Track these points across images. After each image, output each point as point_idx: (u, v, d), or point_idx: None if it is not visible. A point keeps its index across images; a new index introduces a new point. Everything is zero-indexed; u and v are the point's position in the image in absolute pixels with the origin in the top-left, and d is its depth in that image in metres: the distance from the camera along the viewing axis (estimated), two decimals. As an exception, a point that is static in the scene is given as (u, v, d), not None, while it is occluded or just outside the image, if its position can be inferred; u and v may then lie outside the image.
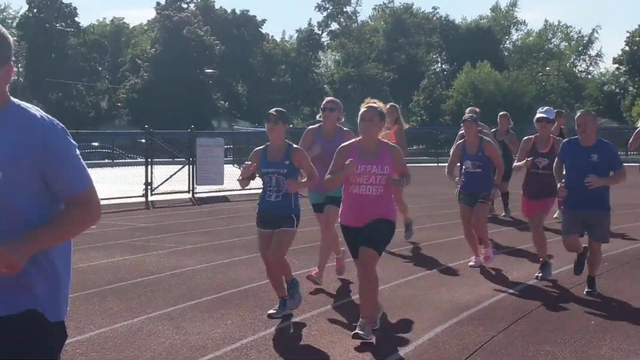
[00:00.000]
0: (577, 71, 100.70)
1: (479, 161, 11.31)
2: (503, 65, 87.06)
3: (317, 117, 10.78)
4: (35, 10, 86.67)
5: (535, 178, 10.52)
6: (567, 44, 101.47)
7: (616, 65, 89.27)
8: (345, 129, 10.27)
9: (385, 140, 7.78)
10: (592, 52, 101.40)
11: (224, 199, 23.39)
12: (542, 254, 10.64)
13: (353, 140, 8.01)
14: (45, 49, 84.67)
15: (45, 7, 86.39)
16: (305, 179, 8.63)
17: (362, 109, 7.66)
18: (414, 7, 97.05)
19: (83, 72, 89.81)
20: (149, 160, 22.53)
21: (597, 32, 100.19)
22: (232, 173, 29.96)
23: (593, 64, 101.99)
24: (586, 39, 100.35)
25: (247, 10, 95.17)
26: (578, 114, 9.52)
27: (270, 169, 8.31)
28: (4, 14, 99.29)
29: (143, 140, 25.57)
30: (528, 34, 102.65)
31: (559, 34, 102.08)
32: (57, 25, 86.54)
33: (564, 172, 9.62)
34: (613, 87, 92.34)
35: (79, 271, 11.14)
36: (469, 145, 11.51)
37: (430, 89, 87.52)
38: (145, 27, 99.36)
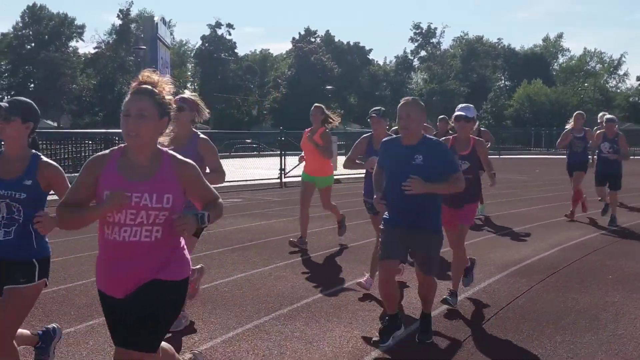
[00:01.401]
0: (608, 87, 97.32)
1: None
2: (551, 82, 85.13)
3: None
4: (207, 45, 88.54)
5: None
6: (601, 65, 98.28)
7: (639, 82, 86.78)
8: (201, 134, 6.03)
9: (167, 151, 3.52)
10: (621, 72, 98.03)
11: (337, 181, 23.35)
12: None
13: (115, 148, 3.55)
14: (213, 72, 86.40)
15: (214, 42, 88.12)
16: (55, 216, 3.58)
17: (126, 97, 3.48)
18: (483, 38, 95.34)
19: (239, 89, 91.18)
20: (283, 152, 22.65)
21: (624, 57, 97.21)
22: (342, 161, 29.95)
23: (621, 81, 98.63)
24: (616, 62, 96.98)
25: (358, 42, 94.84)
26: (401, 102, 5.48)
27: None
28: (185, 47, 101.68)
29: (281, 138, 25.63)
30: (571, 58, 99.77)
31: (595, 58, 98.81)
32: (222, 55, 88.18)
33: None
34: (637, 98, 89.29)
35: (228, 232, 11.33)
36: (375, 141, 7.10)
37: (495, 100, 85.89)
38: (284, 55, 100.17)
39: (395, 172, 5.40)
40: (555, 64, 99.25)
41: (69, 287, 7.31)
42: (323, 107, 10.01)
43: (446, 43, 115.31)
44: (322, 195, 10.25)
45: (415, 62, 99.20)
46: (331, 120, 9.85)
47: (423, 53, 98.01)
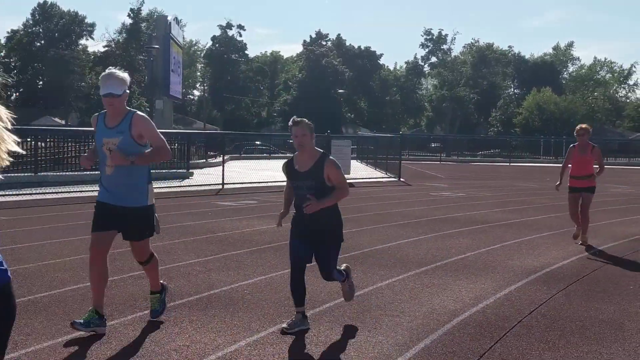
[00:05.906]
0: (618, 96, 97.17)
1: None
2: (561, 90, 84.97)
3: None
4: (217, 45, 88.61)
5: None
6: (611, 75, 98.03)
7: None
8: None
9: None
10: (631, 82, 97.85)
11: (350, 185, 23.32)
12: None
13: None
14: (223, 73, 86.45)
15: (225, 43, 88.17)
16: None
17: None
18: (494, 45, 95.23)
19: (249, 90, 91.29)
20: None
21: (634, 67, 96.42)
22: (356, 166, 29.94)
23: (631, 90, 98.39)
24: (626, 71, 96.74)
25: (369, 47, 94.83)
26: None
27: None
28: (195, 47, 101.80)
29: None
30: (581, 67, 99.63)
31: (605, 67, 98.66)
32: (232, 56, 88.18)
33: None
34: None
35: (245, 234, 11.29)
36: None
37: (504, 107, 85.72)
38: (295, 58, 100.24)
39: None
40: (565, 73, 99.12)
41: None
42: None
43: (457, 49, 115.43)
44: None
45: (426, 68, 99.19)
46: None
47: (433, 59, 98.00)
